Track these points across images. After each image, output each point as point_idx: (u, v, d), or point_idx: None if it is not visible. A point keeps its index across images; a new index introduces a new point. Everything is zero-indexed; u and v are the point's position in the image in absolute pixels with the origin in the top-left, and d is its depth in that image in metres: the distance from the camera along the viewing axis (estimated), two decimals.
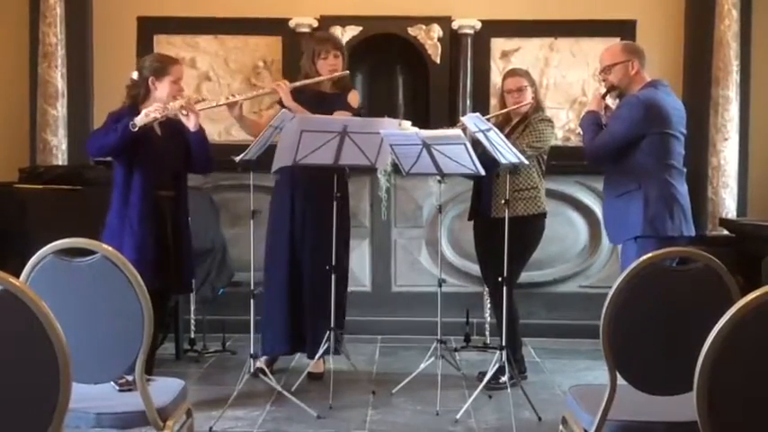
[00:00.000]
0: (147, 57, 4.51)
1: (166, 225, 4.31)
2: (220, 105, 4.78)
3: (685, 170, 4.31)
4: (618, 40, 6.34)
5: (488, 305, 5.71)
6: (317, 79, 4.92)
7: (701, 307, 2.66)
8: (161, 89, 4.29)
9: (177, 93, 4.31)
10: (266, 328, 4.98)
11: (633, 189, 4.20)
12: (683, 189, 4.24)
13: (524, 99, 4.92)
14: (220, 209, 6.11)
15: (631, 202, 4.20)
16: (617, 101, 4.44)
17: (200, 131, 4.36)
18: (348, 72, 5.04)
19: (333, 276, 4.69)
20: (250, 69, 6.62)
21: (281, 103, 4.90)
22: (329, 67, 4.94)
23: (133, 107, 4.28)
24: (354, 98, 5.04)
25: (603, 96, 4.42)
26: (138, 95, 4.32)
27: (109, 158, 4.61)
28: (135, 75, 4.37)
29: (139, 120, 4.08)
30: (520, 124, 4.93)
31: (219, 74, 6.64)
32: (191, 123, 4.30)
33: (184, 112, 4.25)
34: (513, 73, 5.09)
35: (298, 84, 4.89)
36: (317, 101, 4.86)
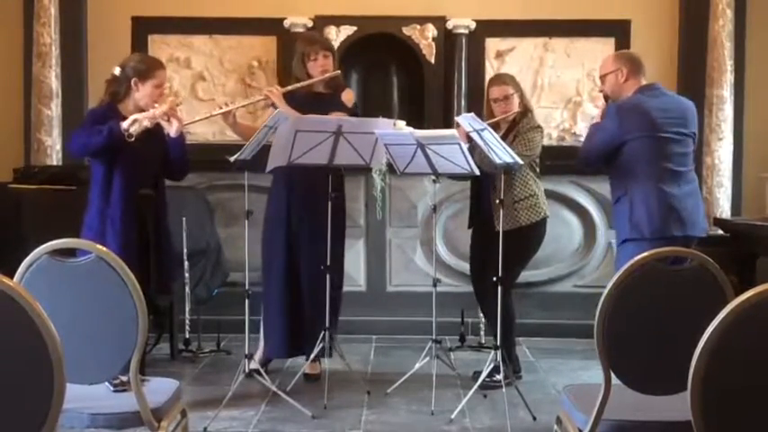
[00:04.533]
0: (133, 56, 4.43)
1: (147, 225, 4.29)
2: (215, 116, 4.75)
3: (686, 169, 4.31)
4: (612, 40, 6.42)
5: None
6: (308, 82, 4.89)
7: (696, 306, 2.66)
8: (143, 92, 4.22)
9: (158, 98, 4.24)
10: (268, 332, 4.99)
11: (622, 195, 4.29)
12: (675, 190, 4.23)
13: (511, 107, 4.87)
14: (215, 209, 6.11)
15: (622, 207, 4.28)
16: None
17: (181, 137, 4.31)
18: (339, 72, 5.03)
19: (328, 276, 4.69)
20: (245, 69, 6.61)
21: (274, 105, 4.90)
22: (320, 68, 4.91)
23: (112, 105, 4.24)
24: (348, 97, 5.02)
25: (606, 105, 4.47)
26: (117, 93, 4.25)
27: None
28: (117, 71, 4.26)
29: (134, 128, 4.02)
30: (509, 132, 4.89)
31: (214, 74, 6.63)
32: (173, 129, 4.23)
33: (166, 117, 4.18)
34: (497, 80, 5.03)
35: (290, 88, 4.86)
36: (312, 102, 4.83)
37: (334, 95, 4.97)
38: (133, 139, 4.02)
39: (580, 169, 4.62)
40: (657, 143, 4.21)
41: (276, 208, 4.96)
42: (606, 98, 4.46)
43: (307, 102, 4.83)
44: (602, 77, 4.43)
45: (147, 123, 4.09)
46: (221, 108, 4.76)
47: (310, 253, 4.88)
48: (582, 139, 6.36)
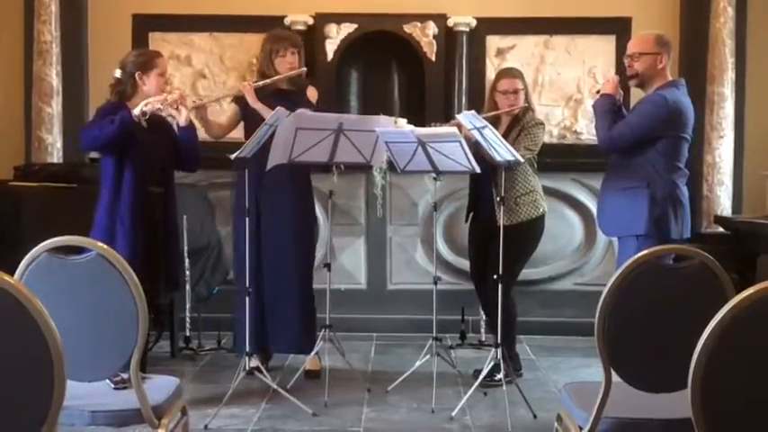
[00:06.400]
0: (129, 53, 4.45)
1: (157, 223, 4.30)
2: (189, 110, 4.74)
3: (686, 171, 4.34)
4: (613, 37, 6.41)
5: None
6: (277, 78, 4.87)
7: (696, 304, 2.66)
8: (149, 83, 4.27)
9: (164, 85, 4.31)
10: (237, 328, 4.95)
11: (640, 186, 4.20)
12: (686, 191, 4.28)
13: (518, 102, 4.88)
14: (215, 207, 6.11)
15: (636, 199, 4.20)
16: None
17: (191, 127, 4.35)
18: (305, 69, 5.04)
19: (329, 274, 4.69)
20: (245, 67, 6.60)
21: (236, 101, 4.92)
22: (288, 65, 4.91)
23: (121, 103, 4.27)
24: (313, 93, 5.04)
25: (622, 81, 4.40)
26: (124, 92, 4.29)
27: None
28: (118, 72, 4.32)
29: (148, 108, 4.11)
30: (512, 127, 4.89)
31: (215, 71, 6.62)
32: (182, 118, 4.28)
33: (175, 105, 4.24)
34: (508, 73, 5.02)
35: (260, 83, 4.85)
36: (278, 98, 4.77)
37: (298, 92, 4.97)
38: (147, 117, 4.11)
39: (605, 153, 4.44)
40: (682, 143, 4.24)
41: (242, 205, 4.81)
42: (632, 77, 4.32)
43: (272, 98, 4.79)
44: (639, 54, 4.27)
45: (159, 105, 4.16)
46: (195, 102, 4.78)
47: (280, 248, 4.86)
48: (582, 137, 6.42)
